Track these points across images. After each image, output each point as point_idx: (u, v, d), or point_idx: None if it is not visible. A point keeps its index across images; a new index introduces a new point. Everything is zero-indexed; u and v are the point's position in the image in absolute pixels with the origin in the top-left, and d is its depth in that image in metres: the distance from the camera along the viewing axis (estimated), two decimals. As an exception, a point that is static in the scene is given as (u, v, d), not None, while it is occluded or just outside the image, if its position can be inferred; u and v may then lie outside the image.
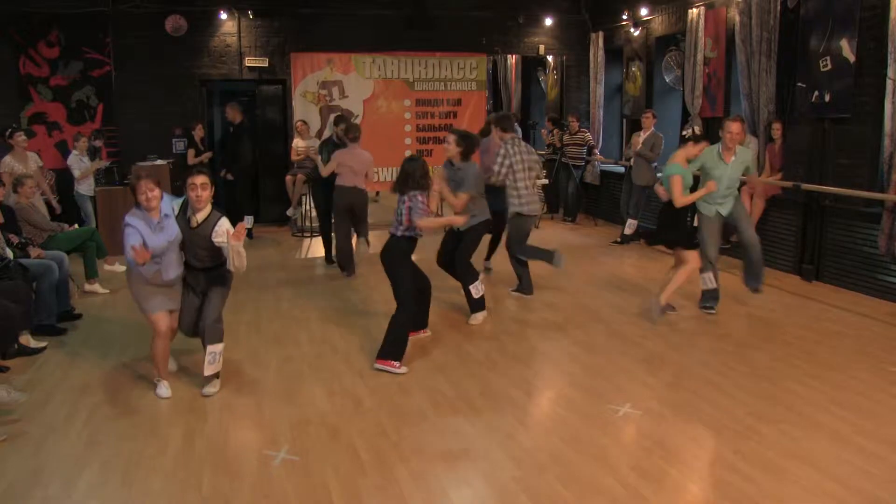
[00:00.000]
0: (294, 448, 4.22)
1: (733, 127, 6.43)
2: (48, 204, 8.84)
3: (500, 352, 5.95)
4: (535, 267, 8.75)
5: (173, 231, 4.99)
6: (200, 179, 4.95)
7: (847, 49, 7.39)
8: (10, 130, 8.89)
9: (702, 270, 6.66)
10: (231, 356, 5.77)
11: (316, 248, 10.45)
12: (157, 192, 4.92)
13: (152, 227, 4.89)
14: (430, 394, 5.01)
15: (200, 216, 5.03)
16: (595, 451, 4.15)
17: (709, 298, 6.85)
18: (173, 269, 5.04)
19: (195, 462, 4.07)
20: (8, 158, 8.62)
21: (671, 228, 6.56)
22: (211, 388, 5.09)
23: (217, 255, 5.12)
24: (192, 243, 5.06)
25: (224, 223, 5.01)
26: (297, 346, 6.06)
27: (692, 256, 6.48)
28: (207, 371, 5.07)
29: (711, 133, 9.85)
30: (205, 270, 5.18)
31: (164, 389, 5.06)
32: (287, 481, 3.86)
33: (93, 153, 10.07)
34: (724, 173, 6.49)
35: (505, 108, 16.18)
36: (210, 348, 5.05)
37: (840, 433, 4.36)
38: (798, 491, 3.71)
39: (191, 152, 10.76)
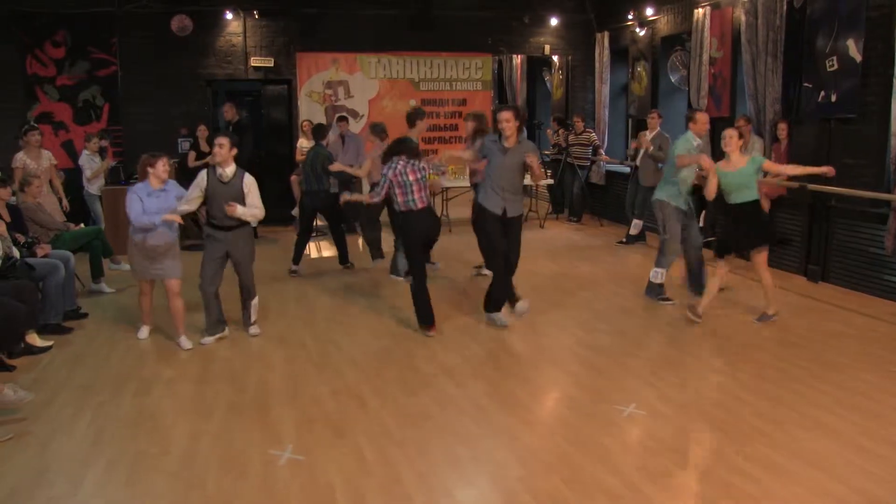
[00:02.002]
0: (299, 448, 4.23)
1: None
2: (60, 201, 8.88)
3: (504, 352, 5.95)
4: (544, 268, 8.77)
5: (168, 203, 5.89)
6: (221, 140, 5.90)
7: (854, 49, 7.37)
8: (25, 128, 8.96)
9: (660, 265, 7.11)
10: (237, 355, 5.80)
11: (321, 247, 10.48)
12: (168, 168, 5.99)
13: (149, 192, 5.84)
14: (435, 394, 5.02)
15: (228, 171, 5.93)
16: (600, 452, 4.15)
17: (654, 290, 7.27)
18: (158, 237, 5.86)
19: (200, 461, 4.09)
20: (21, 154, 8.67)
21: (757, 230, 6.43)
22: (255, 329, 6.36)
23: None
24: (222, 198, 5.85)
25: (248, 178, 6.01)
26: (302, 346, 6.07)
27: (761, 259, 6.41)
28: (254, 317, 6.39)
29: (717, 133, 9.86)
30: (231, 229, 5.98)
31: (144, 332, 6.32)
32: (292, 481, 3.87)
33: (100, 153, 10.10)
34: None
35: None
36: (252, 303, 6.35)
37: (844, 434, 4.35)
38: (802, 491, 3.71)
39: (191, 154, 10.72)
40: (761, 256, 6.36)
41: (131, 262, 6.13)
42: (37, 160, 8.72)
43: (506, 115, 6.13)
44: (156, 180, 5.90)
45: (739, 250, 6.52)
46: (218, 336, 6.17)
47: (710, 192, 6.39)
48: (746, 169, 6.27)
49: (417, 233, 6.30)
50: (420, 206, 6.28)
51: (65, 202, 8.84)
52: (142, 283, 6.21)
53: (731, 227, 6.55)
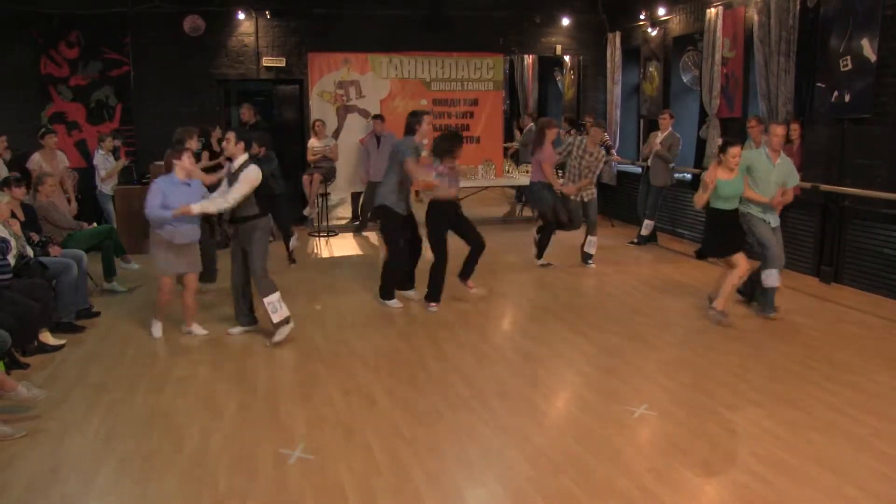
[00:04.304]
0: (309, 447, 4.24)
1: (779, 130, 6.43)
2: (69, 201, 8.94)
3: (515, 352, 5.94)
4: (555, 268, 8.75)
5: (192, 199, 5.92)
6: (227, 135, 6.04)
7: (868, 48, 7.32)
8: (42, 131, 9.14)
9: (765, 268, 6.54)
10: (249, 355, 5.82)
11: (332, 247, 10.50)
12: (193, 161, 6.21)
13: (175, 183, 5.97)
14: (446, 393, 5.02)
15: (236, 164, 5.98)
16: (610, 453, 4.14)
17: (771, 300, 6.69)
18: (184, 235, 6.01)
19: (211, 460, 4.10)
20: (37, 156, 8.81)
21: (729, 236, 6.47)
22: (278, 337, 6.03)
23: (248, 204, 5.95)
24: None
25: (249, 169, 5.91)
26: (312, 345, 6.08)
27: (741, 260, 6.41)
28: (274, 319, 5.99)
29: (729, 133, 9.81)
30: (241, 221, 6.02)
31: (159, 330, 6.32)
32: (302, 480, 3.87)
33: (113, 153, 10.15)
34: (770, 176, 6.44)
35: (521, 108, 16.20)
36: (266, 300, 5.95)
37: (858, 436, 4.32)
38: (815, 494, 3.68)
39: (205, 154, 10.76)
40: (741, 257, 6.42)
41: (156, 259, 6.14)
42: (51, 162, 8.81)
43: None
44: (182, 172, 6.04)
45: (720, 255, 6.56)
46: (244, 329, 6.36)
47: (700, 202, 6.41)
48: (739, 179, 6.32)
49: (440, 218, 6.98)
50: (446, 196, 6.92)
51: (73, 205, 8.86)
52: (165, 280, 6.19)
53: (714, 232, 6.53)
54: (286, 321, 6.05)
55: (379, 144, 10.71)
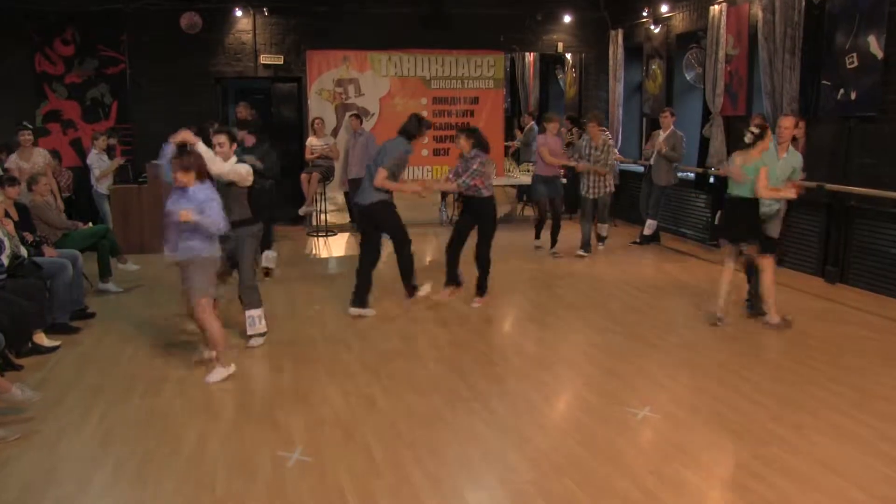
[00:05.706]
0: (308, 449, 4.18)
1: (785, 122, 6.47)
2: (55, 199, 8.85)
3: (516, 353, 5.90)
4: (557, 268, 8.70)
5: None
6: (221, 139, 5.68)
7: (875, 45, 7.25)
8: (17, 128, 8.98)
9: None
10: (247, 356, 5.76)
11: (331, 247, 10.44)
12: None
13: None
14: (446, 395, 4.96)
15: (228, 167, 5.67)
16: (612, 455, 4.08)
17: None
18: None
19: (209, 463, 4.04)
20: (14, 157, 8.68)
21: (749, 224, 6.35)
22: (255, 341, 5.89)
23: (243, 209, 5.72)
24: (225, 196, 5.50)
25: (240, 165, 5.69)
26: (311, 346, 6.02)
27: (767, 263, 6.25)
28: (250, 331, 5.86)
29: (732, 132, 9.76)
30: (237, 226, 5.66)
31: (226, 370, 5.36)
32: (301, 482, 3.82)
33: (108, 151, 10.09)
34: (774, 170, 6.37)
35: (522, 106, 16.14)
36: (248, 312, 5.83)
37: (863, 438, 4.27)
38: (820, 497, 3.63)
39: None
40: (766, 260, 6.24)
41: (206, 279, 5.22)
42: (28, 160, 8.68)
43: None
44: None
45: (731, 240, 6.45)
46: None
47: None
48: (750, 170, 6.21)
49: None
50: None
51: (59, 202, 8.74)
52: (207, 301, 5.29)
53: (725, 216, 6.52)
54: (261, 335, 5.93)
55: (356, 142, 10.75)
